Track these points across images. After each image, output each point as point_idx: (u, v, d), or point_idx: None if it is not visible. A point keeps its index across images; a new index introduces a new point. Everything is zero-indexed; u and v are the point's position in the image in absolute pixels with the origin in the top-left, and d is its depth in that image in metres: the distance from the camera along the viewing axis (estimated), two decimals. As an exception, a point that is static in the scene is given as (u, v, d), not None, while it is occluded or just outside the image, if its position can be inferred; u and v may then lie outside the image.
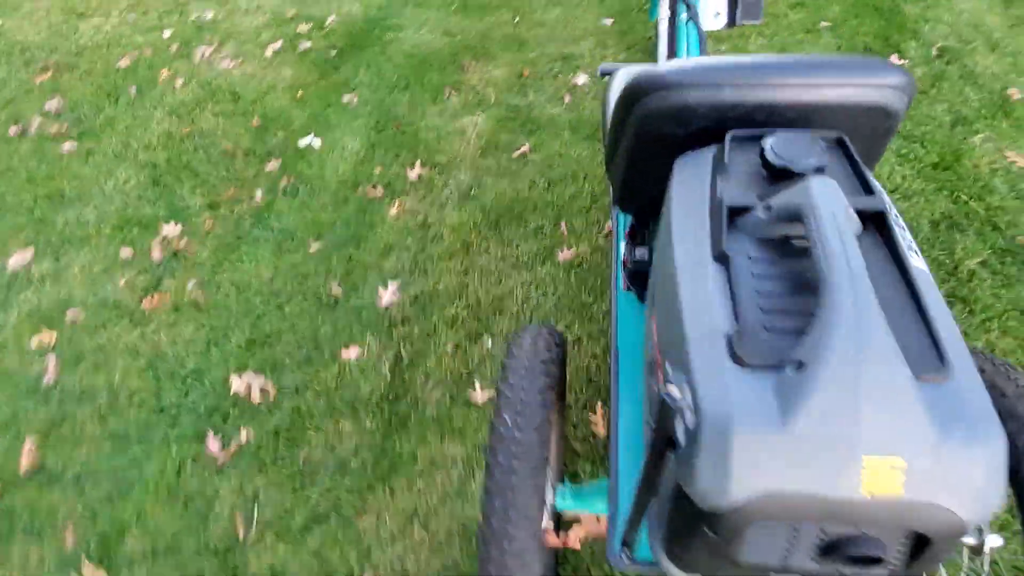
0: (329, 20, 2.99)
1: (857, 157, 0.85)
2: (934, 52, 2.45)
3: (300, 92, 2.62)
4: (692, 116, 0.94)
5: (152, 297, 1.90)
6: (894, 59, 2.43)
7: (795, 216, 0.74)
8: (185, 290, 1.93)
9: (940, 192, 1.97)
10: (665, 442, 0.70)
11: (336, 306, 1.87)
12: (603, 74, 1.75)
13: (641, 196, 1.22)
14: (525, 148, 2.26)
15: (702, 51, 1.71)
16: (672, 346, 0.78)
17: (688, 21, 1.77)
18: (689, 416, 0.67)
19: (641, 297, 1.32)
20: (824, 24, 2.63)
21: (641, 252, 1.32)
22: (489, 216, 2.06)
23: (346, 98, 2.56)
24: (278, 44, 2.86)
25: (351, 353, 1.74)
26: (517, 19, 2.86)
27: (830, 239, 0.68)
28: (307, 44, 2.86)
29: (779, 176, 0.84)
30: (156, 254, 2.02)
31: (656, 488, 0.78)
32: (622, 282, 1.36)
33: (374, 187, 2.19)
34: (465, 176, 2.20)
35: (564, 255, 1.91)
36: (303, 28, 2.96)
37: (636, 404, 1.18)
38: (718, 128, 0.96)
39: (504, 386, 0.97)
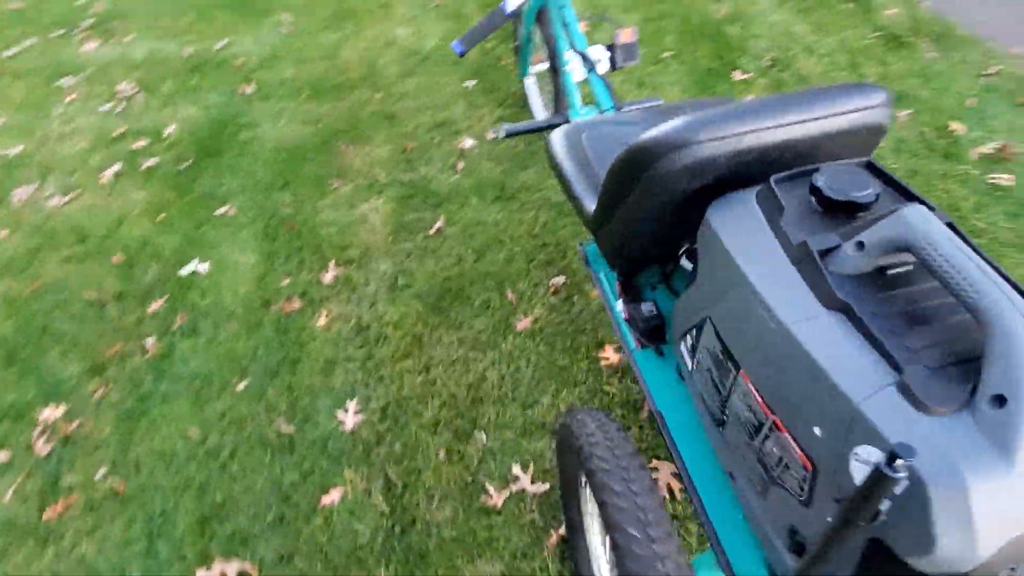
0: (168, 130, 2.69)
1: (894, 177, 0.88)
2: (767, 63, 2.74)
3: (162, 215, 2.31)
4: (711, 168, 0.93)
5: (55, 503, 1.52)
6: (736, 75, 2.68)
7: (900, 248, 0.74)
8: (94, 481, 1.57)
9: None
10: (867, 516, 0.65)
11: (292, 446, 1.62)
12: (508, 135, 1.74)
13: (643, 253, 1.19)
14: (439, 223, 2.16)
15: (612, 99, 1.75)
16: (811, 408, 0.74)
17: (590, 71, 1.80)
18: (903, 483, 0.62)
19: (659, 351, 1.28)
20: (667, 54, 2.85)
21: (648, 308, 1.28)
22: (428, 302, 1.92)
23: (220, 210, 2.29)
24: (116, 167, 2.52)
25: (332, 496, 1.51)
26: (379, 95, 2.78)
27: (963, 263, 0.67)
28: (151, 160, 2.54)
29: (839, 210, 0.84)
30: (41, 447, 1.63)
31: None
32: (632, 341, 1.31)
33: (289, 300, 1.97)
34: (386, 266, 2.05)
35: (522, 323, 1.83)
36: (140, 144, 2.63)
37: (702, 463, 1.12)
38: (734, 175, 0.96)
39: (613, 498, 0.87)
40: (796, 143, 0.94)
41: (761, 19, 2.99)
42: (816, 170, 0.88)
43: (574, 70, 2.00)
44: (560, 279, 1.94)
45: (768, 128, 0.91)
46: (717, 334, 0.94)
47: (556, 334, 1.81)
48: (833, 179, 0.85)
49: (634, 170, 0.96)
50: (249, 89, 2.88)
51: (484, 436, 1.60)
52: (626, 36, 1.89)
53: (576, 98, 2.02)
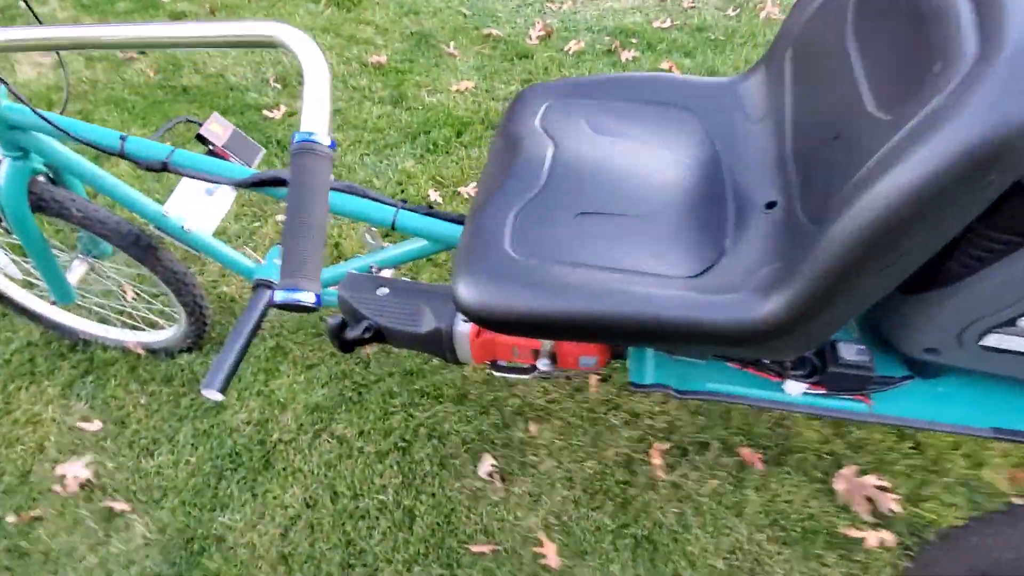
0: None
1: None
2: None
3: None
4: None
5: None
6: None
7: None
8: None
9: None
10: None
11: None
12: (225, 389, 0.96)
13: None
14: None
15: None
16: None
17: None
18: None
19: (893, 382, 0.86)
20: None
21: (858, 348, 0.84)
22: None
23: None
24: None
25: None
26: None
27: None
28: None
29: None
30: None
31: None
32: (861, 405, 0.85)
33: None
34: None
35: (478, 546, 1.09)
36: None
37: None
38: None
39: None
40: None
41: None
42: None
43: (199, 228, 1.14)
44: (488, 464, 1.21)
45: None
46: None
47: (581, 498, 1.14)
48: None
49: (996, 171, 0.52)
50: None
51: None
52: (220, 130, 1.09)
53: (238, 256, 1.18)
